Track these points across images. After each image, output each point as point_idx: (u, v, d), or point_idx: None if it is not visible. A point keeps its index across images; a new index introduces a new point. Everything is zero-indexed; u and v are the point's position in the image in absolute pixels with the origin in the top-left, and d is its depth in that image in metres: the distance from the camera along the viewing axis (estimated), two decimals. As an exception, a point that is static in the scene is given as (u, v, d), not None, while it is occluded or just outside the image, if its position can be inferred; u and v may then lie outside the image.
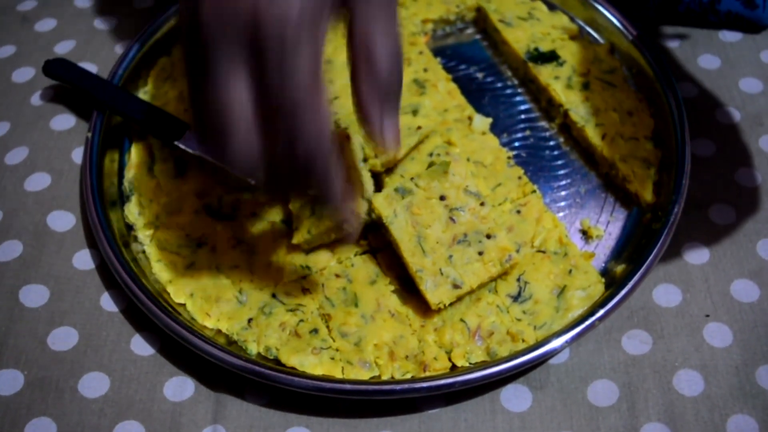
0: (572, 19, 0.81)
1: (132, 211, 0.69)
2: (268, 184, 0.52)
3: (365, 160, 0.66)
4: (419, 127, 0.68)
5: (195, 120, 0.51)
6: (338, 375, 0.59)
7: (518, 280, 0.63)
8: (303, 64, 0.47)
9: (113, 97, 0.72)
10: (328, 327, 0.62)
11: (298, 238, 0.64)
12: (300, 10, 0.46)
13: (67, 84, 0.75)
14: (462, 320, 0.61)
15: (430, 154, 0.68)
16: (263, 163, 0.50)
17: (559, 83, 0.74)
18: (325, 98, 0.48)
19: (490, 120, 0.72)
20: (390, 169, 0.68)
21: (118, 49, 0.81)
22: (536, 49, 0.77)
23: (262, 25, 0.46)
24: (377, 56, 0.49)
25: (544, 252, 0.65)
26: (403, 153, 0.67)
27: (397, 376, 0.59)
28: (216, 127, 0.49)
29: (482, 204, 0.63)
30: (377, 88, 0.51)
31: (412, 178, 0.64)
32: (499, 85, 0.78)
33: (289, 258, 0.65)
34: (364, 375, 0.59)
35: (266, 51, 0.47)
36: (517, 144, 0.73)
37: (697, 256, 0.66)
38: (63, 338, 0.63)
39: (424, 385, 0.57)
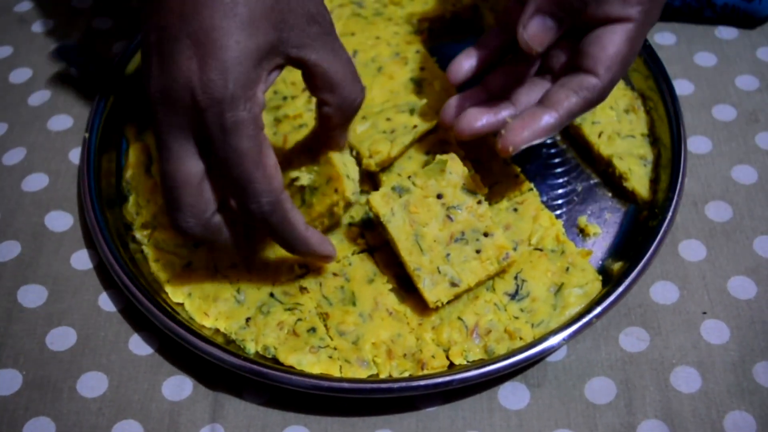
0: (569, 17, 0.81)
1: (130, 211, 0.69)
2: (230, 242, 0.58)
3: (351, 150, 0.65)
4: (415, 126, 0.68)
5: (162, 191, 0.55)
6: (336, 374, 0.59)
7: (515, 278, 0.63)
8: (244, 134, 0.51)
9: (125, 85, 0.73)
10: (326, 326, 0.62)
11: None
12: (232, 86, 0.49)
13: (77, 67, 0.75)
14: (460, 318, 0.61)
15: (427, 153, 0.68)
16: (217, 226, 0.56)
17: (556, 81, 0.74)
18: (270, 154, 0.53)
19: (487, 118, 0.72)
20: (387, 168, 0.68)
21: (116, 49, 0.81)
22: (533, 48, 0.77)
23: (200, 108, 0.50)
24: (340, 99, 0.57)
25: (541, 250, 0.65)
26: (399, 152, 0.67)
27: (395, 375, 0.59)
28: (172, 198, 0.53)
29: (479, 202, 0.63)
30: (341, 124, 0.59)
31: (409, 177, 0.64)
32: (496, 83, 0.78)
33: (286, 257, 0.65)
34: (362, 373, 0.60)
35: (209, 129, 0.50)
36: (514, 142, 0.73)
37: (694, 253, 0.66)
38: (61, 338, 0.63)
39: (422, 383, 0.57)
